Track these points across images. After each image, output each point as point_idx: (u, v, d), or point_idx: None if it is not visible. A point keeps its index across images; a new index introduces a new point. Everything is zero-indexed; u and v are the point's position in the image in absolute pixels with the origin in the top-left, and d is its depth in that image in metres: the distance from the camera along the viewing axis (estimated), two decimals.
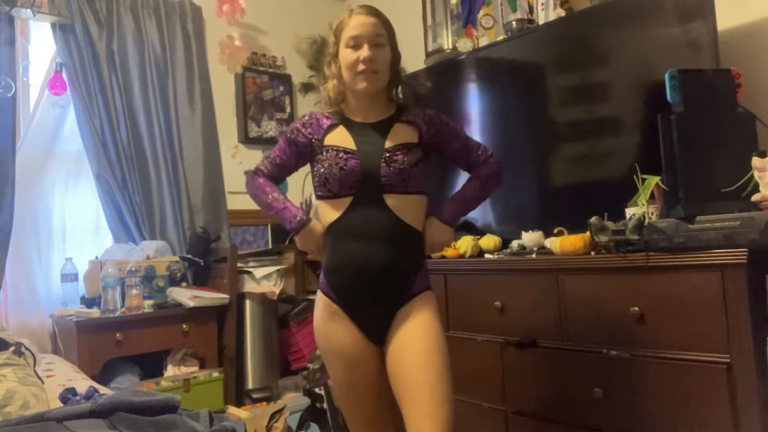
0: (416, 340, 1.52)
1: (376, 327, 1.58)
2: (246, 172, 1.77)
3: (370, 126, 1.62)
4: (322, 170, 1.57)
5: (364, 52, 1.54)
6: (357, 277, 1.56)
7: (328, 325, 1.61)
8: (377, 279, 1.54)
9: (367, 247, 1.54)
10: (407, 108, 1.66)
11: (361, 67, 1.55)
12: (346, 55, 1.58)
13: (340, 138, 1.60)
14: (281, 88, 3.65)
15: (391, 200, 1.54)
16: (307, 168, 3.91)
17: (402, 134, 1.59)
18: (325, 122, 1.64)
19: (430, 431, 1.45)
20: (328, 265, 1.62)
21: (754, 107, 1.81)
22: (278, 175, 1.73)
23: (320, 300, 1.63)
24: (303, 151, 1.66)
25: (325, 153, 1.59)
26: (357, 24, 1.57)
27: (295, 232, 1.64)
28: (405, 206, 1.56)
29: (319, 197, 1.62)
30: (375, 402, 1.63)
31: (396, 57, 1.64)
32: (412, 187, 1.56)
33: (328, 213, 1.60)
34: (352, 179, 1.54)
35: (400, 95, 1.71)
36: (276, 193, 1.69)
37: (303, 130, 1.66)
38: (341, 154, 1.56)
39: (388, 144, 1.57)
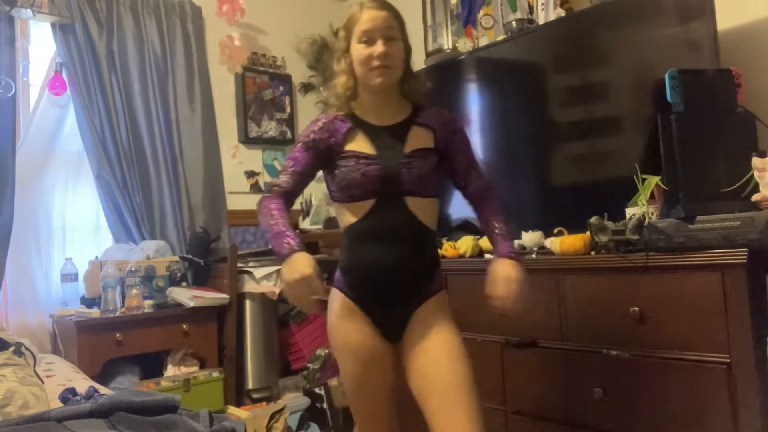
0: (440, 347, 1.53)
1: (393, 326, 1.58)
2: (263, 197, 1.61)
3: (387, 129, 1.60)
4: (341, 176, 1.57)
5: (378, 47, 1.52)
6: (377, 277, 1.57)
7: (343, 322, 1.60)
8: (396, 279, 1.56)
9: (387, 249, 1.55)
10: (423, 108, 1.64)
11: (375, 62, 1.52)
12: (360, 50, 1.55)
13: (360, 143, 1.58)
14: (281, 88, 3.65)
15: (411, 203, 1.55)
16: None
17: (419, 139, 1.59)
18: (342, 126, 1.60)
19: (459, 419, 1.46)
20: (346, 264, 1.61)
21: (754, 107, 1.81)
22: (299, 184, 1.64)
23: (336, 297, 1.62)
24: (322, 155, 1.61)
25: (344, 159, 1.57)
26: (369, 18, 1.54)
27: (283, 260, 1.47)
28: (423, 209, 1.57)
29: (336, 200, 1.63)
30: (385, 398, 1.62)
31: (408, 50, 1.62)
32: (427, 191, 1.58)
33: (346, 216, 1.60)
34: (372, 185, 1.54)
35: (418, 91, 1.68)
36: (280, 217, 1.55)
37: (322, 135, 1.61)
38: (362, 161, 1.55)
39: (407, 149, 1.57)
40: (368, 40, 1.53)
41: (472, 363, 1.54)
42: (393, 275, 1.56)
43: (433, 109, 1.65)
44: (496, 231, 1.62)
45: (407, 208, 1.55)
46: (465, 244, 2.34)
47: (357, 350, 1.59)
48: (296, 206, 3.64)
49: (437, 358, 1.52)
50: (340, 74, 1.62)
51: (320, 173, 1.67)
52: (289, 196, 1.61)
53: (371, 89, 1.58)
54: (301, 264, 1.41)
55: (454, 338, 1.56)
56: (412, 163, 1.55)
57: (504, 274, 1.54)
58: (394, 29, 1.56)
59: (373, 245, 1.56)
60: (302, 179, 1.64)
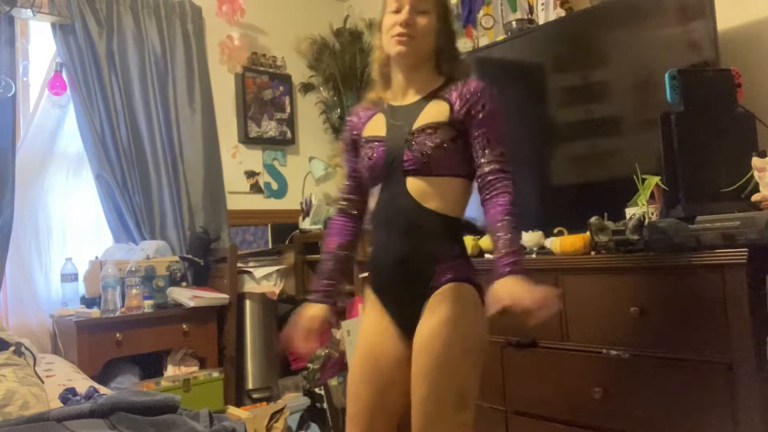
0: (421, 350, 1.40)
1: (407, 321, 1.46)
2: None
3: (405, 107, 1.52)
4: (360, 164, 1.55)
5: (403, 15, 1.46)
6: (381, 268, 1.51)
7: (365, 314, 1.58)
8: (395, 270, 1.47)
9: (387, 235, 1.49)
10: (454, 81, 1.50)
11: (396, 29, 1.46)
12: (386, 19, 1.50)
13: (375, 127, 1.54)
14: (281, 88, 3.65)
15: (412, 184, 1.45)
16: (306, 168, 3.91)
17: (433, 112, 1.47)
18: (364, 114, 1.60)
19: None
20: (369, 255, 1.58)
21: (754, 107, 1.81)
22: (356, 182, 1.63)
23: (366, 290, 1.60)
24: (355, 150, 1.61)
25: (362, 147, 1.55)
26: None
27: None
28: (428, 190, 1.44)
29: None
30: (395, 407, 1.50)
31: (444, 29, 1.51)
32: (438, 169, 1.44)
33: (371, 203, 1.57)
34: (378, 167, 1.49)
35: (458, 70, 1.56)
36: (329, 253, 1.62)
37: (348, 132, 1.64)
38: (372, 144, 1.51)
39: (416, 124, 1.46)
40: (396, 10, 1.48)
41: (469, 372, 1.40)
42: (390, 267, 1.48)
43: (462, 81, 1.49)
44: (499, 240, 1.39)
45: (407, 190, 1.44)
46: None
47: (369, 343, 1.52)
48: (296, 206, 3.67)
49: (416, 365, 1.40)
50: (375, 49, 1.59)
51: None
52: (352, 201, 1.65)
53: (396, 61, 1.52)
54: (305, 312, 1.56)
55: (437, 344, 1.37)
56: (416, 139, 1.44)
57: (501, 295, 1.29)
58: (427, 3, 1.48)
59: (378, 233, 1.53)
60: (357, 181, 1.63)
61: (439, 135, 1.44)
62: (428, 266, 1.44)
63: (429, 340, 1.39)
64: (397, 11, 1.47)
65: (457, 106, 1.45)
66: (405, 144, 1.45)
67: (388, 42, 1.49)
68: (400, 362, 1.46)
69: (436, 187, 1.45)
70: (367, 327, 1.54)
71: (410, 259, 1.45)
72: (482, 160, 1.45)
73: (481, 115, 1.44)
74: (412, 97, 1.52)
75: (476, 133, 1.45)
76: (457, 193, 1.49)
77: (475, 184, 1.51)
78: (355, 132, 1.60)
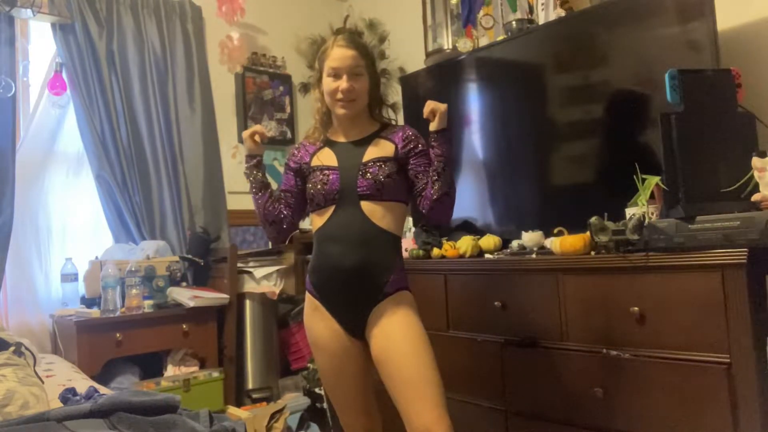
0: (399, 337, 1.65)
1: (353, 322, 1.73)
2: None
3: (351, 143, 1.79)
4: (311, 189, 1.77)
5: (343, 83, 1.71)
6: (334, 276, 1.72)
7: (312, 319, 1.78)
8: (350, 278, 1.69)
9: (342, 249, 1.70)
10: (390, 126, 1.83)
11: (339, 96, 1.72)
12: (328, 83, 1.74)
13: (325, 158, 1.79)
14: (281, 88, 3.65)
15: (366, 206, 1.70)
16: None
17: (379, 149, 1.76)
18: (311, 148, 1.84)
19: (424, 409, 1.57)
20: (311, 265, 1.80)
21: (754, 107, 1.81)
22: (286, 204, 1.87)
23: (306, 296, 1.81)
24: (297, 175, 1.85)
25: (312, 173, 1.78)
26: (337, 56, 1.72)
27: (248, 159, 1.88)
28: (380, 212, 1.71)
29: (311, 211, 1.81)
30: (356, 389, 1.78)
31: (375, 82, 1.81)
32: (387, 195, 1.71)
33: (316, 222, 1.78)
34: (333, 192, 1.72)
35: (389, 115, 1.88)
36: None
37: (293, 158, 1.87)
38: (325, 172, 1.75)
39: (365, 158, 1.74)
40: (335, 75, 1.73)
41: (433, 351, 1.66)
42: (346, 275, 1.69)
43: (400, 126, 1.83)
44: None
45: (362, 212, 1.69)
46: (465, 244, 2.34)
47: (325, 345, 1.76)
48: None
49: (396, 349, 1.64)
50: (315, 102, 1.86)
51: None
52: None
53: (338, 116, 1.79)
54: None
55: (413, 330, 1.66)
56: (368, 169, 1.71)
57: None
58: (359, 66, 1.74)
59: (330, 246, 1.73)
60: (288, 194, 1.87)
61: (388, 167, 1.72)
62: (383, 275, 1.70)
63: (405, 331, 1.65)
64: (336, 76, 1.72)
65: (400, 146, 1.76)
66: (358, 173, 1.71)
67: (332, 104, 1.77)
68: (353, 358, 1.75)
69: (386, 209, 1.72)
70: (322, 335, 1.76)
71: (367, 267, 1.69)
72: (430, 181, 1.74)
73: (420, 151, 1.76)
74: (355, 137, 1.80)
75: (420, 163, 1.76)
76: (401, 215, 1.78)
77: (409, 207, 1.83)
78: (303, 161, 1.83)
